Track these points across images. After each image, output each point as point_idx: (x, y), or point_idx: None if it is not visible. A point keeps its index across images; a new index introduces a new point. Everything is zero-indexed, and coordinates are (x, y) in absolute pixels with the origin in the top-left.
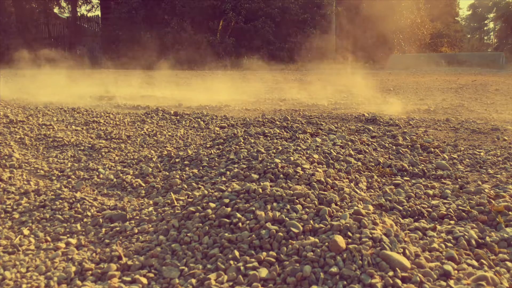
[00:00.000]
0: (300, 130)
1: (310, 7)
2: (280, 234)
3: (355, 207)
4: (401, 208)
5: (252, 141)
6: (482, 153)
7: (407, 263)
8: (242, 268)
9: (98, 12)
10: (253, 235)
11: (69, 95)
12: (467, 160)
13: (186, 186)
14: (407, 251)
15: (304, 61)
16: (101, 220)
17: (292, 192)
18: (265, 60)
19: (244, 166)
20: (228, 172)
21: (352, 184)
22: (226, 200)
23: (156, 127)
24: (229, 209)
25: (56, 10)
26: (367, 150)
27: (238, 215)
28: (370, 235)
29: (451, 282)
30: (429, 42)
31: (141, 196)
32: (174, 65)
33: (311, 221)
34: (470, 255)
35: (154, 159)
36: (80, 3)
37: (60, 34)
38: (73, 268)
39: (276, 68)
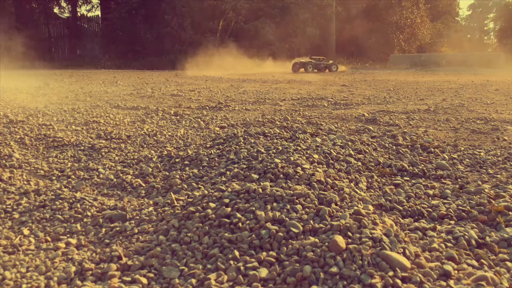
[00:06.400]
0: (300, 130)
1: (310, 7)
2: (280, 234)
3: (355, 207)
4: (401, 208)
5: (252, 141)
6: (482, 153)
7: (407, 263)
8: (242, 268)
9: (98, 12)
10: (253, 235)
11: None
12: (467, 160)
13: (186, 186)
14: (407, 251)
15: None
16: (101, 220)
17: (292, 192)
18: (265, 60)
19: (244, 166)
20: (228, 172)
21: (352, 184)
22: (226, 200)
23: (156, 127)
24: (229, 209)
25: (56, 10)
26: (367, 150)
27: (238, 215)
28: (370, 235)
29: (451, 282)
30: (429, 42)
31: (141, 196)
32: (174, 64)
33: (311, 221)
34: (470, 255)
35: (154, 159)
36: (80, 3)
37: (60, 34)
38: (73, 268)
39: (277, 68)
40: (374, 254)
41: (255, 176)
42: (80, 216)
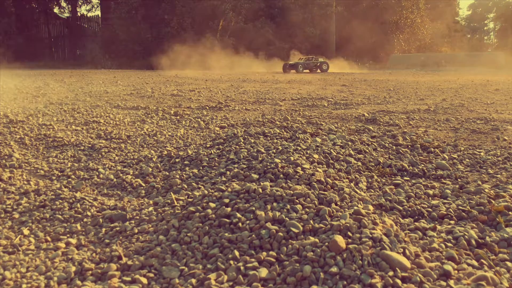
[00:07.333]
0: (300, 130)
1: (310, 7)
2: (280, 234)
3: (355, 207)
4: (401, 208)
5: (252, 141)
6: (482, 153)
7: (407, 263)
8: (242, 268)
9: (98, 12)
10: (253, 235)
11: None
12: (467, 160)
13: (186, 186)
14: (407, 251)
15: None
16: (101, 220)
17: (292, 192)
18: (265, 60)
19: (244, 166)
20: (228, 172)
21: (352, 184)
22: (226, 200)
23: (156, 127)
24: (229, 209)
25: (56, 10)
26: (367, 150)
27: (238, 215)
28: (370, 235)
29: (451, 282)
30: (429, 42)
31: (141, 196)
32: (172, 64)
33: (311, 221)
34: (470, 255)
35: (154, 159)
36: (80, 3)
37: (60, 34)
38: (73, 268)
39: (276, 68)
40: (374, 254)
41: (255, 176)
42: (80, 216)
